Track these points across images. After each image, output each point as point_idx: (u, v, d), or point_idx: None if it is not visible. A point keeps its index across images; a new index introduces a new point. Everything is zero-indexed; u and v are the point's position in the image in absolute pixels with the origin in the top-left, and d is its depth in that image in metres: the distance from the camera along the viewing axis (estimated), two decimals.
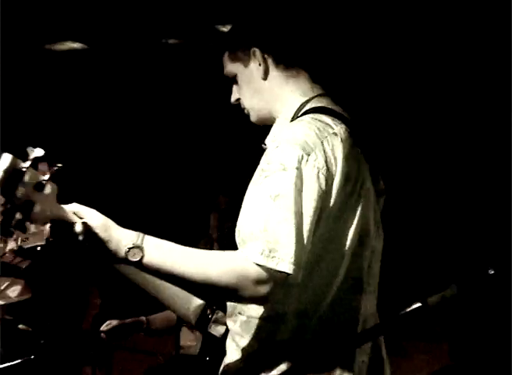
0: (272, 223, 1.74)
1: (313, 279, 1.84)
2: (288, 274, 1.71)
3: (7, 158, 1.54)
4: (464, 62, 4.57)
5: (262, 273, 1.71)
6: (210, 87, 4.95)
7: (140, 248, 1.71)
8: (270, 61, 2.03)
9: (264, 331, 1.89)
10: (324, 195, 1.80)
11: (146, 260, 1.71)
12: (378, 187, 2.04)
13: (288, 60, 2.04)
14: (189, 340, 3.83)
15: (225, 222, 4.14)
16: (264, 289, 1.72)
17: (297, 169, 1.78)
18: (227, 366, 1.93)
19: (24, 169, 1.55)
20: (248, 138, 2.23)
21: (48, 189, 1.63)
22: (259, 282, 1.72)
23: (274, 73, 2.04)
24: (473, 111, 4.77)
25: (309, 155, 1.80)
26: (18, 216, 1.55)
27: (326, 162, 1.81)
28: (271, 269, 1.70)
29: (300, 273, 1.74)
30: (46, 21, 4.91)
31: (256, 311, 1.89)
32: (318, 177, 1.79)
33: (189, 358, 3.47)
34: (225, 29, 4.75)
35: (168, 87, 5.41)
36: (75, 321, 4.29)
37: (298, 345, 1.85)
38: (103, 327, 3.44)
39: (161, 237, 1.77)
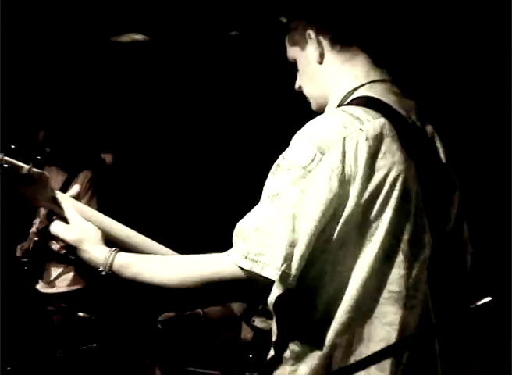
0: (264, 224, 1.67)
1: (328, 289, 1.72)
2: (273, 280, 1.65)
3: None
4: (465, 62, 4.44)
5: (245, 278, 1.67)
6: (276, 78, 4.97)
7: (110, 272, 1.79)
8: (325, 43, 1.91)
9: (286, 335, 1.80)
10: (336, 198, 1.66)
11: (118, 273, 1.79)
12: (438, 186, 1.86)
13: (343, 41, 1.91)
14: (248, 332, 3.82)
15: None
16: (250, 293, 1.71)
17: (305, 168, 1.67)
18: (266, 362, 1.87)
19: None
20: None
21: (33, 180, 1.80)
22: (244, 286, 1.68)
23: (329, 56, 1.92)
24: (472, 114, 4.65)
25: (324, 154, 1.68)
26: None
27: (343, 162, 1.68)
28: (255, 273, 1.65)
29: (291, 279, 1.65)
30: (110, 13, 4.95)
31: (277, 314, 1.82)
32: (330, 179, 1.66)
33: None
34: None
35: (230, 78, 5.40)
36: (135, 311, 4.33)
37: (319, 356, 1.74)
38: (160, 318, 3.45)
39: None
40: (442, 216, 1.88)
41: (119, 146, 5.30)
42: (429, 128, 1.93)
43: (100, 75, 5.56)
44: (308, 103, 2.04)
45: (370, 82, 1.88)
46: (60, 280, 4.67)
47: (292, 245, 1.64)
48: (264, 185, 1.75)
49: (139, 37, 5.36)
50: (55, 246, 4.46)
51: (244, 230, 1.69)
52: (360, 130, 1.71)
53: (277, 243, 1.64)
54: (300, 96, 2.05)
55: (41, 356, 4.12)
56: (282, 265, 1.64)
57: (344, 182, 1.67)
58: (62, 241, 1.89)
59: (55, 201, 1.90)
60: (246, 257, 1.66)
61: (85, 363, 3.86)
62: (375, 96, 1.83)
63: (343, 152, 1.68)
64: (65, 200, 1.93)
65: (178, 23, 5.06)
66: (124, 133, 5.66)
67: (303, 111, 2.03)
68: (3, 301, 4.78)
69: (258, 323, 1.94)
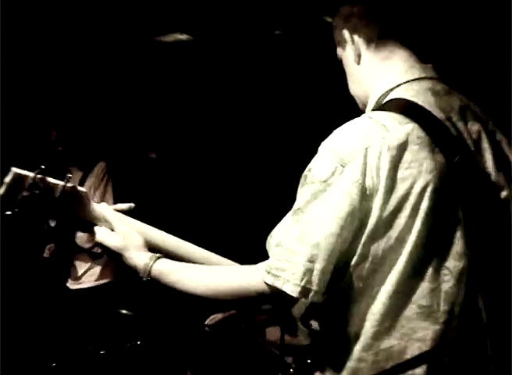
0: (285, 239, 1.67)
1: (359, 303, 1.70)
2: (294, 297, 1.65)
3: (11, 173, 1.83)
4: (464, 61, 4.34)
5: (269, 292, 1.68)
6: (320, 77, 4.93)
7: (149, 277, 1.85)
8: (361, 42, 1.87)
9: (326, 345, 1.79)
10: (358, 211, 1.63)
11: (157, 279, 1.85)
12: (479, 192, 1.74)
13: (379, 37, 1.85)
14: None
15: None
16: (276, 306, 1.75)
17: (325, 182, 1.65)
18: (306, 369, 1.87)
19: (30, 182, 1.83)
20: None
21: (69, 195, 1.88)
22: (267, 299, 1.71)
23: (366, 56, 1.87)
24: None
25: (344, 166, 1.65)
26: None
27: (365, 174, 1.64)
28: (277, 288, 1.66)
29: (313, 294, 1.65)
30: (154, 13, 4.98)
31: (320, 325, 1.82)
32: (350, 192, 1.63)
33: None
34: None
35: (274, 77, 5.39)
36: (178, 308, 4.33)
37: (347, 369, 1.72)
38: (207, 321, 3.44)
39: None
40: (487, 224, 1.76)
41: (162, 144, 5.31)
42: (475, 127, 1.82)
43: (143, 74, 5.59)
44: (352, 102, 2.01)
45: (408, 81, 1.82)
46: (88, 275, 4.74)
47: (311, 260, 1.64)
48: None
49: (183, 36, 5.38)
50: (79, 241, 4.56)
51: (270, 245, 1.71)
52: (383, 138, 1.66)
53: (297, 259, 1.65)
54: (344, 94, 2.03)
55: (84, 353, 4.15)
56: (301, 280, 1.64)
57: (366, 194, 1.64)
58: (106, 247, 1.93)
59: (94, 213, 1.95)
60: (269, 272, 1.68)
61: (128, 361, 3.88)
62: (409, 98, 1.77)
63: (365, 164, 1.64)
64: (107, 209, 1.98)
65: (222, 23, 5.06)
66: (166, 132, 5.68)
67: (347, 109, 1.99)
68: (35, 301, 4.88)
69: (317, 326, 1.93)
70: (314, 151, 1.72)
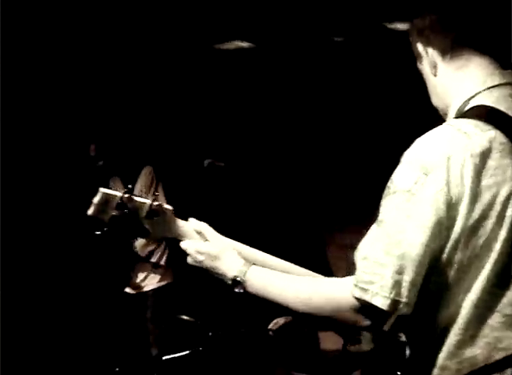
0: (372, 252, 1.65)
1: (446, 311, 1.67)
2: (384, 309, 1.62)
3: (99, 193, 1.89)
4: None
5: (358, 306, 1.66)
6: (382, 82, 4.89)
7: (243, 280, 1.85)
8: (435, 54, 1.84)
9: (412, 354, 1.78)
10: (445, 220, 1.61)
11: (249, 290, 1.85)
12: None
13: (454, 47, 1.82)
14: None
15: None
16: (365, 321, 1.67)
17: (408, 191, 1.63)
18: None
19: (119, 202, 1.89)
20: None
21: (156, 214, 1.92)
22: (357, 314, 1.67)
23: (442, 66, 1.84)
24: None
25: (427, 175, 1.62)
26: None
27: (449, 182, 1.61)
28: (366, 302, 1.63)
29: (403, 306, 1.62)
30: (215, 21, 5.01)
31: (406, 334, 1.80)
32: (435, 201, 1.60)
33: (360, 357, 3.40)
34: (393, 26, 4.68)
35: (335, 84, 5.38)
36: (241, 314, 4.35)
37: None
38: (271, 326, 3.44)
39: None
40: None
41: (224, 152, 5.34)
42: None
43: (205, 82, 5.63)
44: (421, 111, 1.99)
45: (488, 88, 1.78)
46: (150, 278, 4.80)
47: (400, 272, 1.62)
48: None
49: (244, 44, 5.40)
50: (138, 249, 4.61)
51: (356, 256, 1.69)
52: (466, 146, 1.64)
53: (385, 271, 1.62)
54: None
55: (147, 359, 4.19)
56: (390, 293, 1.62)
57: (451, 203, 1.62)
58: (198, 258, 1.95)
59: (180, 230, 1.99)
60: (356, 285, 1.66)
61: (190, 367, 3.91)
62: (491, 105, 1.74)
63: (448, 172, 1.62)
64: (198, 222, 2.01)
65: (283, 30, 5.07)
66: (228, 139, 5.71)
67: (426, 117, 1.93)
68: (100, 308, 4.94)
69: (404, 338, 1.92)
70: (396, 163, 1.70)
